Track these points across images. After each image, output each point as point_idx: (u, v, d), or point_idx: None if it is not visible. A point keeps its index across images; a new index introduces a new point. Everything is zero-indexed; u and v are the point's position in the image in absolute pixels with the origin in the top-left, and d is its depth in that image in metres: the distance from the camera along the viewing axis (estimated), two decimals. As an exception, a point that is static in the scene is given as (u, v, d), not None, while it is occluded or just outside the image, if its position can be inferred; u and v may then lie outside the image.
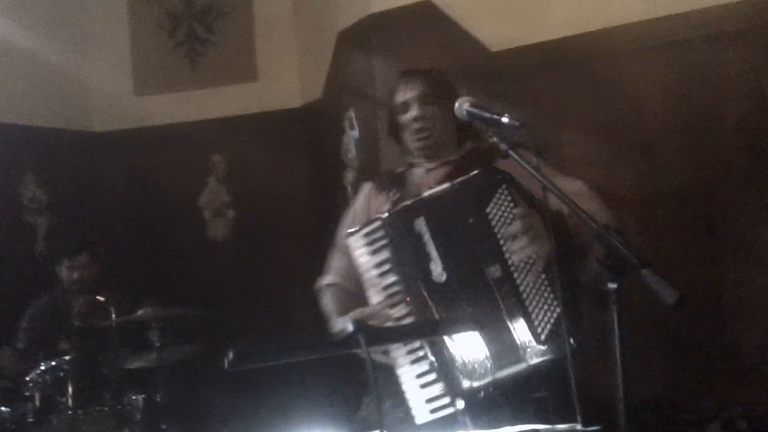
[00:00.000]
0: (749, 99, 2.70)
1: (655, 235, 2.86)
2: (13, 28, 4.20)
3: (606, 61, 3.00)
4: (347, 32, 3.81)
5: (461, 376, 1.75)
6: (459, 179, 1.89)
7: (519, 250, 1.75)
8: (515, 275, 1.75)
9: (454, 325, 1.67)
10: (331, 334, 1.97)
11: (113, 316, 3.10)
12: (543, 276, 1.73)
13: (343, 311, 2.04)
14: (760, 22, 2.65)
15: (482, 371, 1.74)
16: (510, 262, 1.76)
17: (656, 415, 2.70)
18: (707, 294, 2.76)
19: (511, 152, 1.71)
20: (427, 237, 1.85)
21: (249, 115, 4.55)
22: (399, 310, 1.87)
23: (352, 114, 3.80)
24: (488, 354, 1.74)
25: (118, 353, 3.23)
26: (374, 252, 1.92)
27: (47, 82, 4.43)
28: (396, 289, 1.89)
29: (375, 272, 1.91)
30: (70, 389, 3.04)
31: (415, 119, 2.04)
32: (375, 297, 1.91)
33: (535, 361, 1.71)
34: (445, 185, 1.89)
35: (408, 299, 1.86)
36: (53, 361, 3.10)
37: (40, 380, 3.03)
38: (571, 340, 1.63)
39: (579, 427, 1.42)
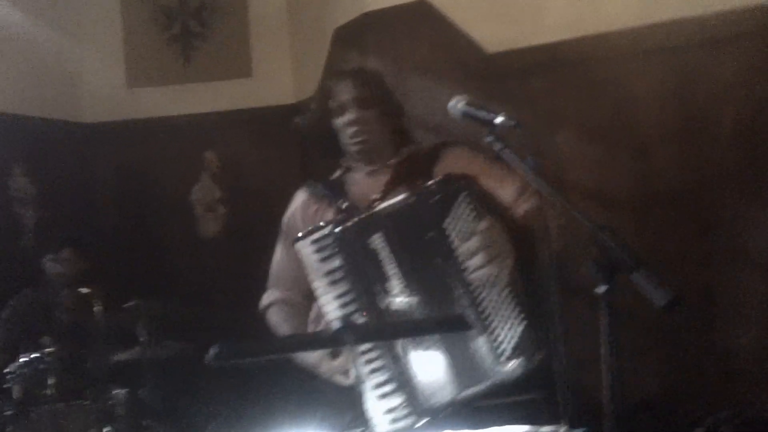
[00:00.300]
0: (743, 103, 2.71)
1: (650, 236, 2.86)
2: (5, 17, 4.16)
3: (602, 64, 3.00)
4: (342, 30, 3.79)
5: (422, 395, 1.71)
6: (416, 190, 1.82)
7: (478, 268, 1.70)
8: (476, 292, 1.70)
9: (443, 324, 1.65)
10: (317, 331, 1.95)
11: (98, 309, 3.07)
12: (506, 291, 1.69)
13: (296, 330, 1.99)
14: (754, 28, 2.66)
15: (444, 391, 1.70)
16: (470, 279, 1.71)
17: (647, 417, 2.70)
18: (700, 296, 2.77)
19: (504, 152, 1.70)
20: (384, 254, 1.78)
21: (242, 110, 4.53)
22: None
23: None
24: (450, 373, 1.70)
25: (102, 347, 3.20)
26: (325, 259, 1.83)
27: (39, 71, 4.40)
28: (350, 298, 1.81)
29: (326, 280, 1.82)
30: (51, 382, 3.00)
31: (351, 123, 1.98)
32: (327, 305, 1.83)
33: (498, 378, 1.67)
34: (401, 196, 1.82)
35: (365, 314, 1.79)
36: (35, 353, 3.06)
37: (20, 372, 3.00)
38: (537, 355, 1.62)
39: (563, 429, 1.40)
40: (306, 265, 1.86)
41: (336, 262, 1.82)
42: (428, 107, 3.19)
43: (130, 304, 3.12)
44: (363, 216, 1.85)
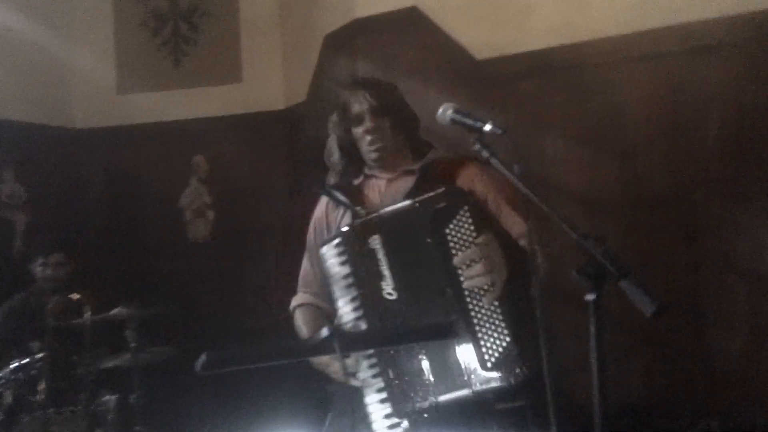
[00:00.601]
0: (729, 110, 2.73)
1: (636, 241, 2.87)
2: (-4, 22, 4.16)
3: (590, 70, 3.02)
4: (333, 36, 3.80)
5: (405, 396, 1.73)
6: (421, 197, 1.85)
7: (474, 277, 1.72)
8: (467, 300, 1.72)
9: (430, 332, 1.65)
10: (305, 339, 1.96)
11: (87, 314, 3.06)
12: (496, 303, 1.70)
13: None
14: (740, 36, 2.69)
15: (424, 393, 1.72)
16: (464, 286, 1.73)
17: (635, 422, 2.71)
18: (687, 301, 2.78)
19: (492, 160, 1.72)
20: (381, 254, 1.82)
21: (232, 116, 4.53)
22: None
23: (335, 118, 3.79)
24: (432, 377, 1.72)
25: (92, 353, 3.19)
26: (341, 264, 1.88)
27: (29, 76, 4.39)
28: (357, 301, 1.85)
29: (343, 283, 1.87)
30: (41, 388, 2.99)
31: (367, 131, 2.04)
32: (343, 308, 1.87)
33: (479, 388, 1.67)
34: (406, 202, 1.86)
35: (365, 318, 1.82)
36: (25, 359, 3.05)
37: (11, 378, 2.99)
38: (519, 370, 1.62)
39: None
40: (325, 270, 1.92)
41: (348, 267, 1.87)
42: (418, 111, 3.22)
43: (120, 309, 3.11)
44: (365, 218, 1.90)
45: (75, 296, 3.06)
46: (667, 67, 2.86)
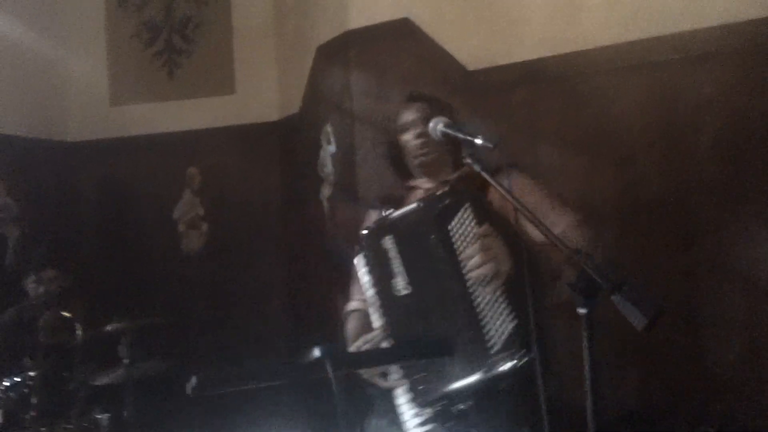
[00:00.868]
0: (723, 118, 2.73)
1: (631, 248, 2.87)
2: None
3: (582, 80, 3.02)
4: (326, 47, 3.80)
5: (417, 389, 1.82)
6: (425, 197, 1.98)
7: (474, 268, 1.78)
8: (471, 290, 1.79)
9: (424, 349, 1.66)
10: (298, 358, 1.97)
11: (79, 332, 3.04)
12: (499, 292, 1.76)
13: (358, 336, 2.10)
14: (733, 45, 2.69)
15: (433, 384, 1.79)
16: (467, 277, 1.80)
17: (630, 430, 2.70)
18: (682, 308, 2.78)
19: (483, 173, 1.74)
20: (393, 253, 1.92)
21: (226, 127, 4.52)
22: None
23: (329, 129, 3.79)
24: (440, 366, 1.79)
25: (84, 369, 3.16)
26: (368, 272, 2.01)
27: (21, 89, 4.36)
28: (378, 303, 1.97)
29: (370, 292, 1.99)
30: (34, 405, 2.97)
31: (417, 136, 2.14)
32: (372, 315, 1.99)
33: (484, 374, 1.73)
34: (413, 204, 1.95)
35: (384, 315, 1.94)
36: (17, 376, 3.03)
37: (3, 396, 2.96)
38: (525, 354, 1.68)
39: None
40: (360, 278, 2.05)
41: (369, 268, 2.01)
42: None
43: (113, 325, 3.09)
44: (378, 221, 2.03)
45: (67, 314, 3.04)
46: (660, 75, 2.86)
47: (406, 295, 1.89)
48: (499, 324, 1.74)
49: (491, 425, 1.76)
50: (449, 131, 1.95)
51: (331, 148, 3.78)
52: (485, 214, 1.86)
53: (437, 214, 1.86)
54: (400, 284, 1.90)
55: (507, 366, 1.70)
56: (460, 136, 1.88)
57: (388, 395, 1.91)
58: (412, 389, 1.83)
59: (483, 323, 1.75)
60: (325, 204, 3.88)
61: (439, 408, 1.80)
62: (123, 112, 4.66)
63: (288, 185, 4.48)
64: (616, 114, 2.96)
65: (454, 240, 1.83)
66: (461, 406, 1.80)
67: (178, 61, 4.70)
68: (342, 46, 3.61)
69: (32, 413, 2.96)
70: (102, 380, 3.14)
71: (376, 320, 1.98)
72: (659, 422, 2.79)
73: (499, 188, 1.69)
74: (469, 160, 1.82)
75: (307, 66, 4.01)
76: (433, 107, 2.18)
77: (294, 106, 4.29)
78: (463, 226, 1.83)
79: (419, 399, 1.82)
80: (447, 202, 1.87)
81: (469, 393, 1.78)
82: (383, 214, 2.09)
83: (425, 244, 1.86)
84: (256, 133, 4.50)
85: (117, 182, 4.63)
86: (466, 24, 3.30)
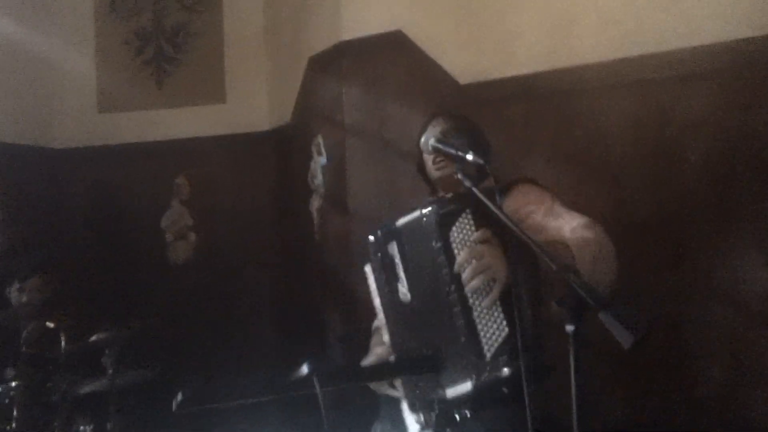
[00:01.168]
0: (713, 136, 2.74)
1: (620, 265, 2.86)
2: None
3: (575, 96, 3.03)
4: (318, 58, 3.79)
5: (413, 394, 1.84)
6: (427, 207, 1.95)
7: (468, 275, 1.77)
8: (468, 297, 1.79)
9: (412, 366, 1.64)
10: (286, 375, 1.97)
11: (63, 343, 3.00)
12: (496, 301, 1.75)
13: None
14: (724, 64, 2.70)
15: (429, 389, 1.80)
16: (463, 284, 1.80)
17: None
18: (670, 326, 2.78)
19: (474, 189, 1.73)
20: (397, 259, 1.95)
21: (216, 136, 4.50)
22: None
23: (320, 140, 3.78)
24: (438, 373, 1.81)
25: (68, 379, 3.12)
26: (375, 279, 2.05)
27: (10, 96, 4.33)
28: (382, 315, 2.00)
29: (377, 300, 2.04)
30: (16, 416, 2.92)
31: (433, 151, 2.13)
32: (382, 328, 2.02)
33: (478, 380, 1.73)
34: (416, 212, 1.94)
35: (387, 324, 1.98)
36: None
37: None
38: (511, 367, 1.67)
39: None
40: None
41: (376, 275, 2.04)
42: (403, 133, 3.21)
43: (98, 336, 3.05)
44: (383, 228, 2.04)
45: (50, 325, 3.00)
46: (652, 93, 2.86)
47: (406, 303, 1.91)
48: (492, 331, 1.74)
49: None
50: (440, 146, 1.95)
51: (322, 159, 3.77)
52: (487, 220, 1.84)
53: (439, 221, 1.86)
54: (402, 291, 1.93)
55: (500, 374, 1.70)
56: (452, 151, 1.88)
57: (395, 402, 1.93)
58: (409, 395, 1.85)
59: (478, 330, 1.76)
60: (315, 215, 3.87)
61: (436, 413, 1.82)
62: (112, 120, 4.63)
63: (278, 196, 4.46)
64: (609, 131, 2.96)
65: (453, 246, 1.83)
66: (459, 413, 1.81)
67: (168, 69, 4.68)
68: (334, 57, 3.61)
69: (14, 425, 2.92)
70: (86, 389, 3.10)
71: (385, 334, 2.01)
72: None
73: (490, 204, 1.67)
74: (459, 176, 1.81)
75: (299, 76, 4.01)
76: (455, 125, 2.21)
77: (285, 117, 4.28)
78: (463, 231, 1.82)
79: (416, 404, 1.83)
80: (448, 208, 1.87)
81: (465, 399, 1.78)
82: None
83: (427, 250, 1.87)
84: (246, 143, 4.48)
85: (105, 190, 4.59)
86: (459, 38, 3.31)
